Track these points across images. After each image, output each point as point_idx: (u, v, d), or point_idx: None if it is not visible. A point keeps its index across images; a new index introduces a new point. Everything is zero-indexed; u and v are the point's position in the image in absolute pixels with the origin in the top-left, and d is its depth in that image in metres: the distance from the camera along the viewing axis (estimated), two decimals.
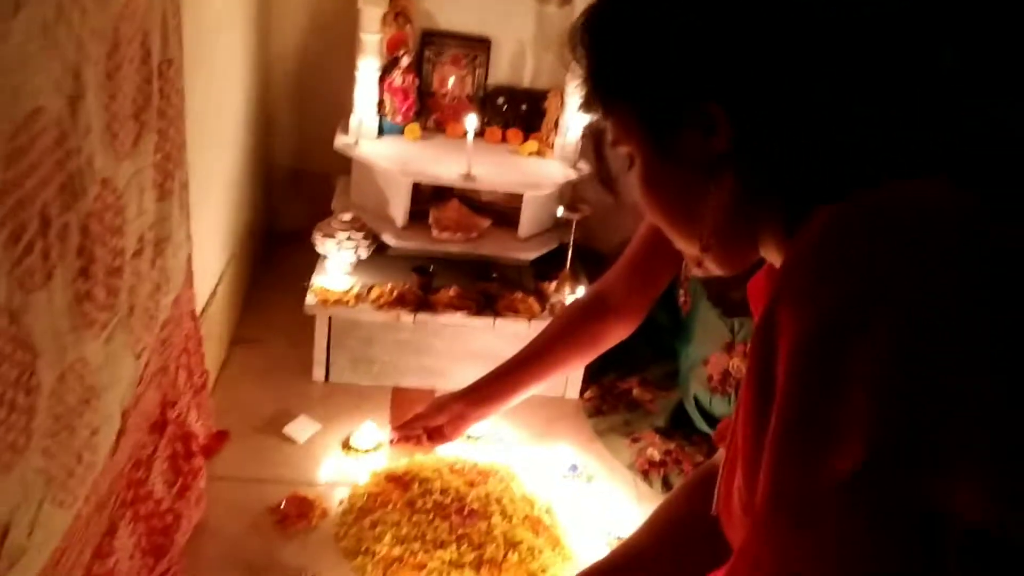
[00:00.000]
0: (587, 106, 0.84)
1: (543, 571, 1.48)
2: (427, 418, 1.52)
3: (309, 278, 1.91)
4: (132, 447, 1.29)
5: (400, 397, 1.93)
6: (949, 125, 0.70)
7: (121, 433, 1.22)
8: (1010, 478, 0.52)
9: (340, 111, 2.16)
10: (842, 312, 0.56)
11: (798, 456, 0.58)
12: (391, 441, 1.58)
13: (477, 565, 1.46)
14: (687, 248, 0.82)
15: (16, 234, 0.87)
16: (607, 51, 0.79)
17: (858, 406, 0.53)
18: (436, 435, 1.52)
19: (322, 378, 1.93)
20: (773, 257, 0.77)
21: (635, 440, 1.87)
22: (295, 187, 2.57)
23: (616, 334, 1.44)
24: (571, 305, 1.55)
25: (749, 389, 0.69)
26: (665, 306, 2.29)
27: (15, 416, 0.90)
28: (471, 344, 1.93)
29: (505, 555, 1.48)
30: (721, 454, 1.08)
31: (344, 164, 2.30)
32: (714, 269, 0.82)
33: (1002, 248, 0.58)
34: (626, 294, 1.41)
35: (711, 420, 1.83)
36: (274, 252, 2.47)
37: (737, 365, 1.84)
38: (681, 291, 2.21)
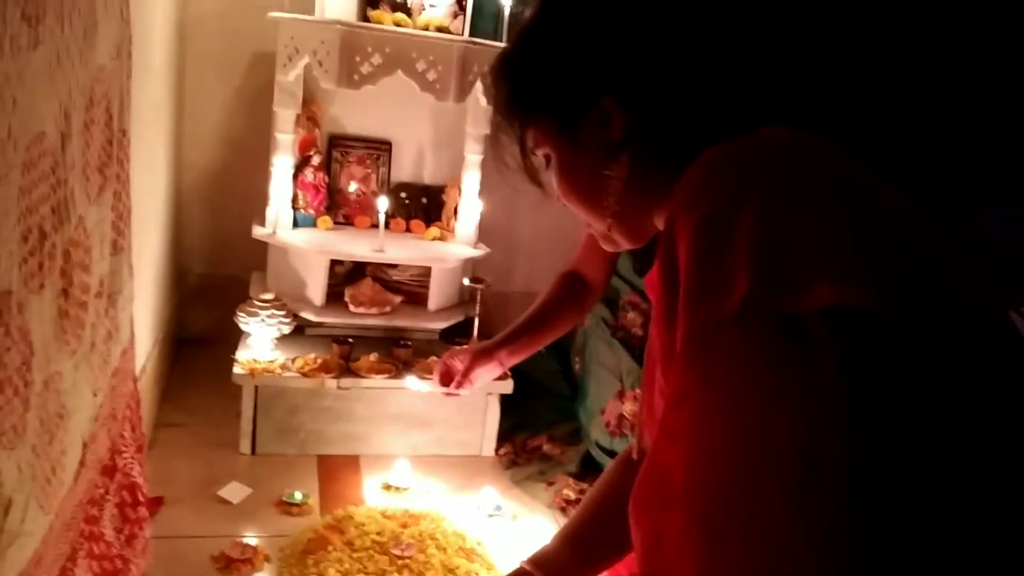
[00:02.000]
0: (507, 122, 1.05)
1: None
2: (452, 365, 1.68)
3: (234, 353, 2.02)
4: (88, 483, 1.35)
5: (326, 464, 2.02)
6: (811, 99, 0.93)
7: (81, 464, 1.29)
8: (851, 265, 0.71)
9: (248, 215, 2.32)
10: (720, 205, 0.74)
11: (700, 304, 0.74)
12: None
13: None
14: (597, 224, 0.98)
15: (25, 235, 0.99)
16: (521, 76, 1.01)
17: (739, 257, 0.70)
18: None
19: (249, 450, 2.00)
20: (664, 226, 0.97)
21: (551, 484, 2.01)
22: (202, 293, 2.67)
23: (594, 299, 1.73)
24: (557, 283, 1.74)
25: (659, 298, 0.86)
26: (565, 378, 2.50)
27: (17, 401, 0.99)
28: (392, 407, 2.06)
29: None
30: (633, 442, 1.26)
31: (255, 262, 2.45)
32: (622, 242, 0.99)
33: (831, 158, 0.80)
34: (593, 269, 1.70)
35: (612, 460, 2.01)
36: (182, 356, 2.54)
37: (630, 409, 2.04)
38: (576, 359, 2.43)
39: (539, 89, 0.96)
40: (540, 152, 0.99)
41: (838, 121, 0.89)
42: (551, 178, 1.01)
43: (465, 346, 1.78)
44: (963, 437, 0.68)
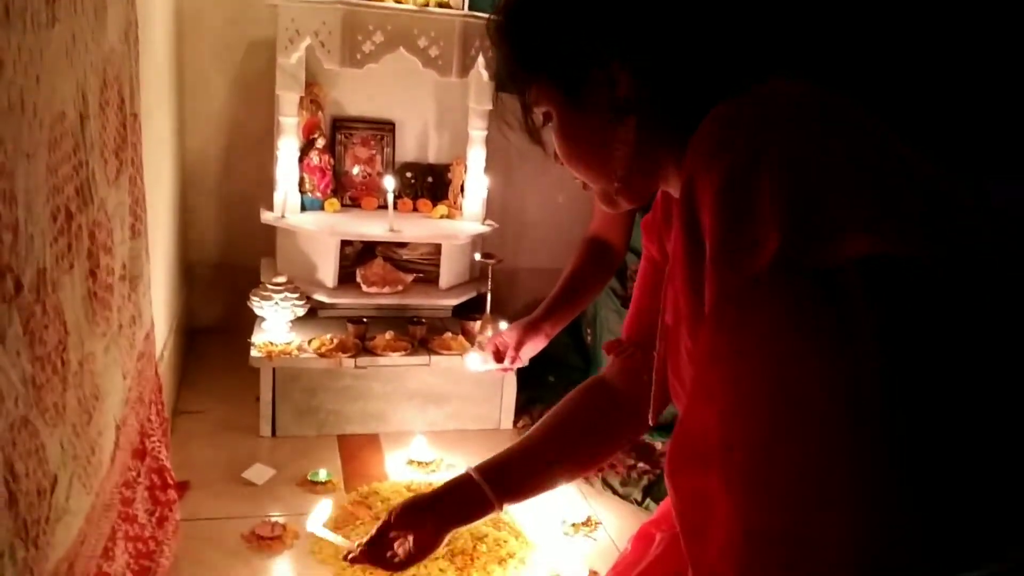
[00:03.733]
0: (508, 82, 1.04)
1: (511, 556, 1.60)
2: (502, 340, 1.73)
3: (249, 337, 2.02)
4: (122, 466, 1.36)
5: (347, 444, 2.03)
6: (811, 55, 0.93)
7: (116, 446, 1.30)
8: (883, 214, 0.72)
9: (254, 203, 2.33)
10: (742, 161, 0.73)
11: (729, 263, 0.73)
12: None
13: (450, 557, 1.56)
14: (602, 186, 0.97)
15: (54, 215, 1.00)
16: (525, 35, 1.00)
17: (767, 212, 0.70)
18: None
19: (269, 433, 2.01)
20: (672, 186, 0.94)
21: None
22: (212, 282, 2.67)
23: (619, 260, 1.82)
24: (581, 250, 1.80)
25: (682, 259, 0.84)
26: (576, 349, 2.51)
27: (56, 379, 1.00)
28: (409, 384, 2.07)
29: (475, 547, 1.59)
30: (607, 367, 1.27)
31: (263, 250, 2.45)
32: (624, 204, 0.98)
33: (847, 110, 0.80)
34: (613, 231, 1.78)
35: None
36: (196, 345, 2.55)
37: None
38: (588, 331, 2.44)
39: (543, 49, 0.95)
40: (540, 110, 0.98)
41: (845, 80, 0.89)
42: (551, 138, 0.99)
43: (510, 324, 1.81)
44: (997, 382, 0.69)
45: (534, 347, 1.73)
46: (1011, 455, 0.69)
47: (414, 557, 1.20)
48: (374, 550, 1.23)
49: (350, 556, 1.26)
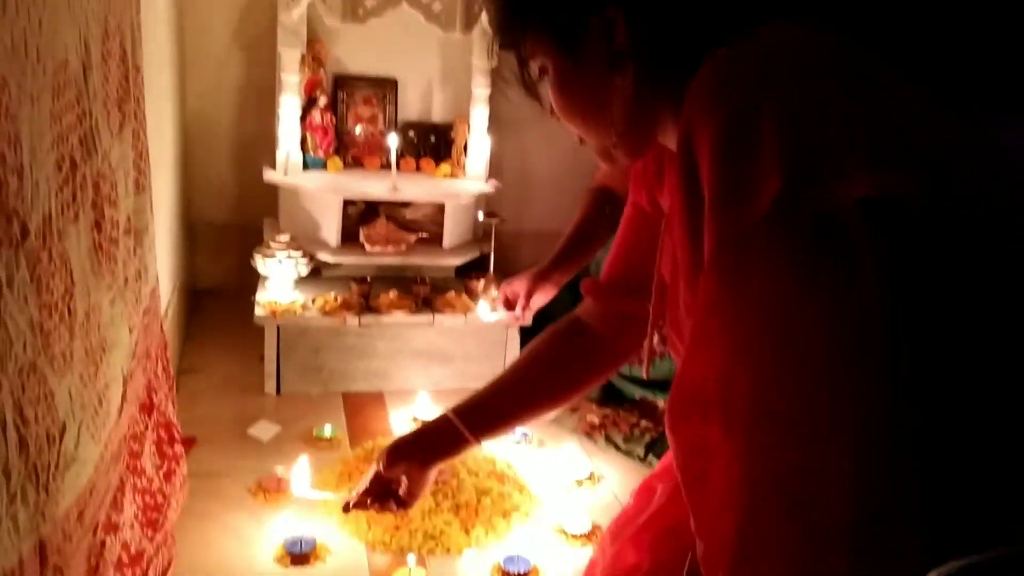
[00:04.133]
0: (501, 35, 1.02)
1: (515, 510, 1.61)
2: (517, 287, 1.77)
3: (254, 295, 2.03)
4: (129, 419, 1.37)
5: (351, 401, 2.04)
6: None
7: (123, 399, 1.31)
8: (884, 155, 0.70)
9: (256, 163, 2.31)
10: (742, 105, 0.72)
11: (728, 209, 0.72)
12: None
13: (455, 511, 1.57)
14: (600, 140, 0.95)
15: (58, 163, 0.99)
16: None
17: (767, 156, 0.69)
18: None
19: (274, 391, 2.02)
20: (670, 139, 0.92)
21: (574, 410, 2.03)
22: (214, 243, 2.67)
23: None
24: (588, 201, 1.82)
25: (680, 210, 0.83)
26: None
27: (63, 328, 1.00)
28: (413, 343, 2.08)
29: (479, 500, 1.61)
30: (582, 306, 1.28)
31: (265, 210, 2.45)
32: (622, 158, 0.96)
33: (849, 52, 0.78)
34: (618, 181, 1.78)
35: (634, 386, 2.03)
36: (199, 306, 2.55)
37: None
38: None
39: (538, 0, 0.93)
40: (535, 63, 0.96)
41: (846, 21, 0.87)
42: (548, 92, 0.97)
43: (519, 273, 1.85)
44: (1001, 324, 0.68)
45: (544, 296, 1.76)
46: (1013, 397, 0.68)
47: (409, 496, 1.26)
48: (372, 494, 1.27)
49: (350, 504, 1.30)
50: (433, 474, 1.26)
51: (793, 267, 0.70)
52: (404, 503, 1.26)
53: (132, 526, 1.36)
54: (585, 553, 1.52)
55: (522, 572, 1.44)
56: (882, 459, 0.67)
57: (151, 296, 1.53)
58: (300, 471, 1.51)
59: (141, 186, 1.47)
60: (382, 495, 1.27)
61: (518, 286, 1.77)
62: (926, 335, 0.68)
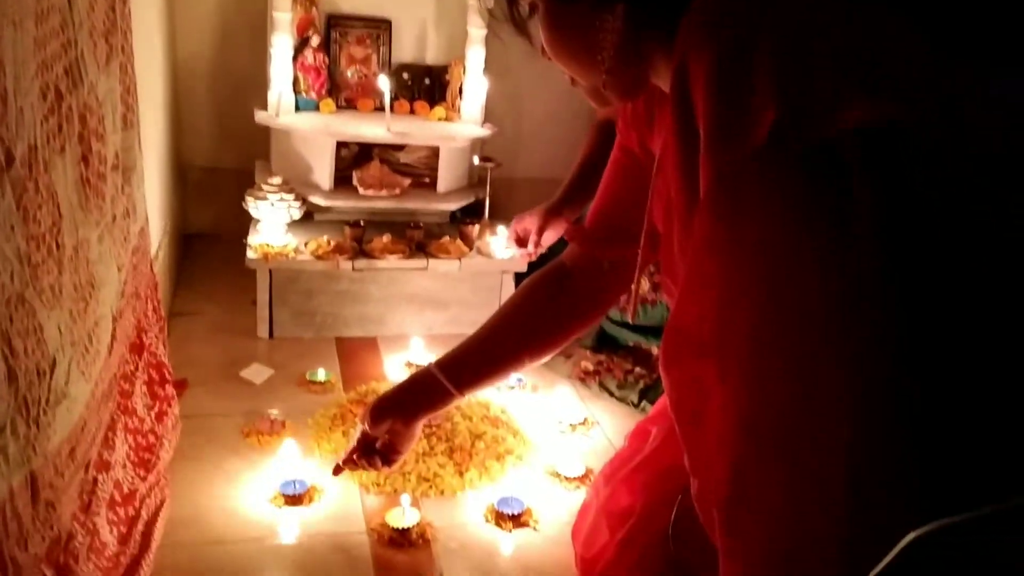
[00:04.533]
0: None
1: (509, 453, 1.61)
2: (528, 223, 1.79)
3: (246, 238, 2.00)
4: (119, 358, 1.35)
5: (345, 346, 2.03)
6: None
7: (113, 338, 1.29)
8: (880, 83, 0.68)
9: (248, 106, 2.27)
10: (736, 38, 0.71)
11: (724, 144, 0.71)
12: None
13: (449, 454, 1.57)
14: (590, 80, 0.93)
15: (43, 92, 0.96)
16: None
17: (763, 87, 0.67)
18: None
19: (266, 334, 2.01)
20: (662, 78, 0.89)
21: (568, 356, 2.03)
22: (206, 187, 2.63)
23: None
24: (593, 135, 1.83)
25: (674, 148, 0.81)
26: None
27: (51, 262, 0.98)
28: (407, 288, 2.06)
29: (473, 444, 1.61)
30: (566, 252, 1.27)
31: (258, 152, 2.41)
32: (613, 99, 0.94)
33: None
34: None
35: (629, 332, 2.02)
36: (191, 250, 2.53)
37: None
38: None
39: None
40: (525, 1, 0.94)
41: None
42: (539, 31, 0.95)
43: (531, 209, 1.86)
44: (1000, 260, 0.66)
45: (555, 233, 1.78)
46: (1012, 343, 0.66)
47: (397, 451, 1.25)
48: (361, 454, 1.26)
49: (339, 465, 1.30)
50: (418, 429, 1.25)
51: (789, 200, 0.69)
52: (390, 460, 1.25)
53: (124, 465, 1.36)
54: (578, 496, 1.52)
55: (516, 513, 1.45)
56: (876, 408, 0.66)
57: (140, 236, 1.50)
58: (287, 456, 1.51)
59: (129, 122, 1.44)
60: (370, 453, 1.26)
61: (529, 222, 1.79)
62: (923, 275, 0.66)
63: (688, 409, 0.81)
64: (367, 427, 1.25)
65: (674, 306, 0.82)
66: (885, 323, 0.66)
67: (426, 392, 1.23)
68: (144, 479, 1.39)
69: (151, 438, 1.46)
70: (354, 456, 1.27)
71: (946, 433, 0.65)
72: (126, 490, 1.33)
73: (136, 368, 1.44)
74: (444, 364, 1.24)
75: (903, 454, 0.66)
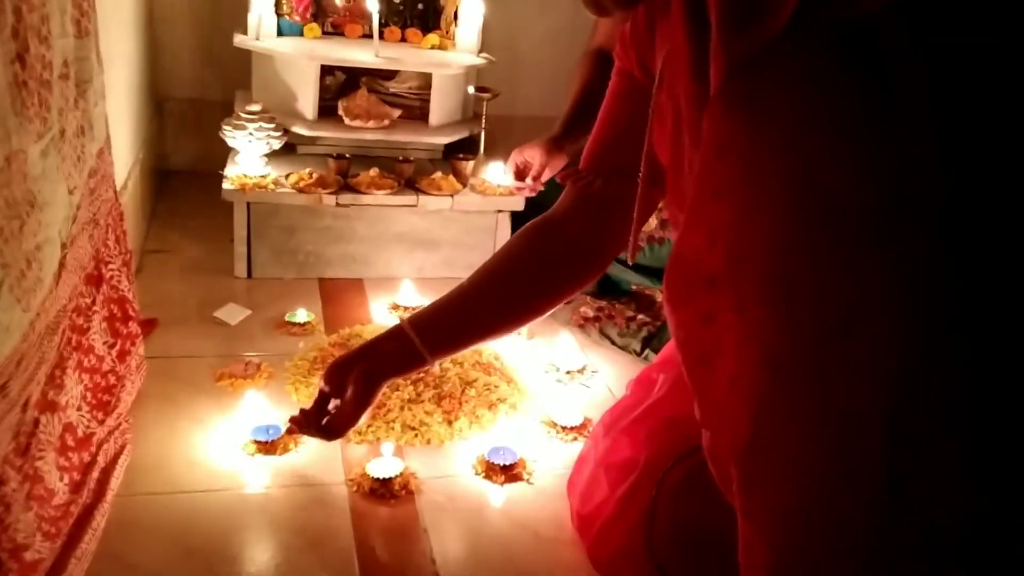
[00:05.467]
0: None
1: (502, 401, 1.50)
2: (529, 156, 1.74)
3: (223, 170, 1.87)
4: (72, 290, 1.23)
5: (328, 287, 1.90)
6: None
7: (62, 266, 1.17)
8: None
9: (228, 33, 2.11)
10: None
11: (741, 32, 0.60)
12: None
13: (437, 401, 1.46)
14: None
15: None
16: None
17: None
18: None
19: (244, 274, 1.88)
20: None
21: (568, 302, 1.90)
22: (185, 121, 2.48)
23: None
24: (588, 64, 1.77)
25: (684, 46, 0.73)
26: None
27: None
28: (395, 226, 1.93)
29: (463, 391, 1.49)
30: (559, 202, 1.14)
31: (239, 83, 2.26)
32: (611, 5, 0.82)
33: None
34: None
35: (631, 273, 1.90)
36: (168, 187, 2.39)
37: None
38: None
39: None
40: None
41: None
42: None
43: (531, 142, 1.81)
44: None
45: (556, 166, 1.74)
46: None
47: (348, 417, 1.10)
48: (309, 417, 1.13)
49: (292, 425, 1.17)
50: (378, 393, 1.10)
51: (820, 85, 0.57)
52: (336, 430, 1.11)
53: (79, 408, 1.24)
54: (575, 447, 1.41)
55: (507, 464, 1.34)
56: (916, 340, 0.54)
57: (99, 158, 1.37)
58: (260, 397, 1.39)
59: (84, 29, 1.29)
60: (318, 420, 1.13)
61: (530, 154, 1.73)
62: (978, 164, 0.55)
63: (697, 351, 0.70)
64: (323, 386, 1.12)
65: (680, 232, 0.70)
66: (940, 212, 0.54)
67: (394, 354, 1.10)
68: (102, 422, 1.27)
69: (111, 379, 1.34)
70: (305, 417, 1.14)
71: (1012, 355, 0.54)
72: (81, 434, 1.21)
73: (94, 302, 1.32)
74: (419, 323, 1.10)
75: (958, 377, 0.54)
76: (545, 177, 1.73)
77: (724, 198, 0.64)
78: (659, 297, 1.89)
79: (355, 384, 1.08)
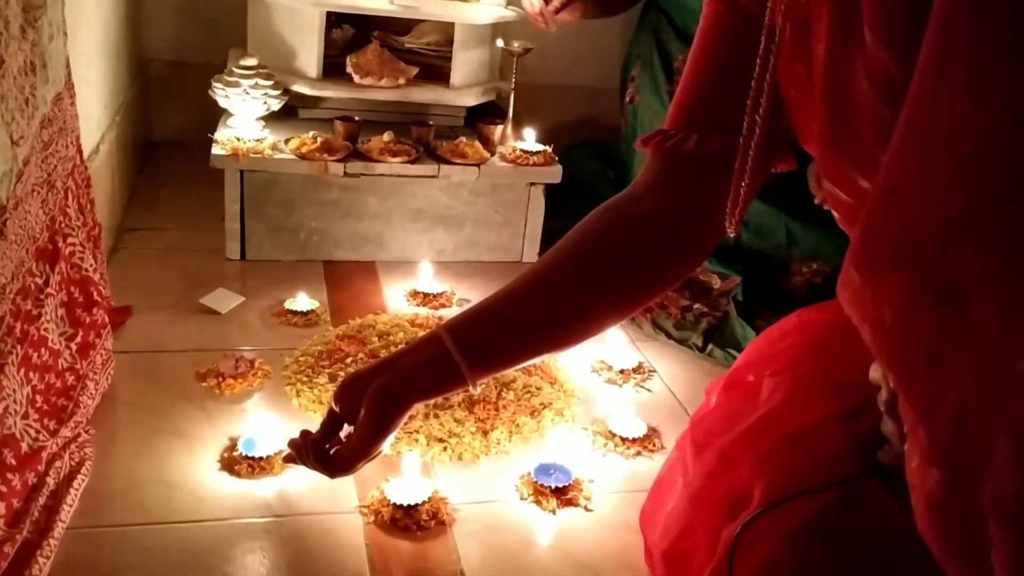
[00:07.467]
0: None
1: (546, 406, 1.24)
2: None
3: (213, 132, 1.60)
4: (17, 267, 0.97)
5: (335, 271, 1.64)
6: None
7: (0, 235, 0.91)
8: None
9: None
10: None
11: None
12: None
13: (468, 407, 1.20)
14: None
15: None
16: None
17: None
18: None
19: (238, 255, 1.63)
20: None
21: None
22: (171, 85, 2.22)
23: None
24: None
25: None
26: (608, 180, 2.11)
27: None
28: (413, 200, 1.67)
29: (499, 394, 1.24)
30: (639, 178, 0.87)
31: (233, 41, 2.00)
32: None
33: None
34: None
35: None
36: (153, 159, 2.13)
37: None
38: (623, 147, 2.02)
39: None
40: None
41: None
42: None
43: None
44: None
45: (570, 16, 1.71)
46: None
47: (356, 449, 0.83)
48: (312, 444, 0.86)
49: (283, 456, 0.89)
50: (399, 422, 0.83)
51: None
52: (335, 466, 0.85)
53: (25, 415, 0.98)
54: (639, 464, 1.16)
55: (560, 486, 1.08)
56: None
57: (56, 104, 1.11)
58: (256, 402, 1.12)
59: None
60: (322, 449, 0.86)
61: None
62: None
63: (918, 346, 0.49)
64: (332, 403, 0.85)
65: (878, 184, 0.50)
66: None
67: (422, 366, 0.82)
68: (55, 433, 1.02)
69: (69, 378, 1.09)
70: (306, 442, 0.87)
71: None
72: (26, 449, 0.96)
73: (47, 283, 1.06)
74: (457, 328, 0.83)
75: None
76: (560, 19, 1.70)
77: (954, 142, 0.45)
78: (716, 283, 1.64)
79: (368, 406, 0.81)
